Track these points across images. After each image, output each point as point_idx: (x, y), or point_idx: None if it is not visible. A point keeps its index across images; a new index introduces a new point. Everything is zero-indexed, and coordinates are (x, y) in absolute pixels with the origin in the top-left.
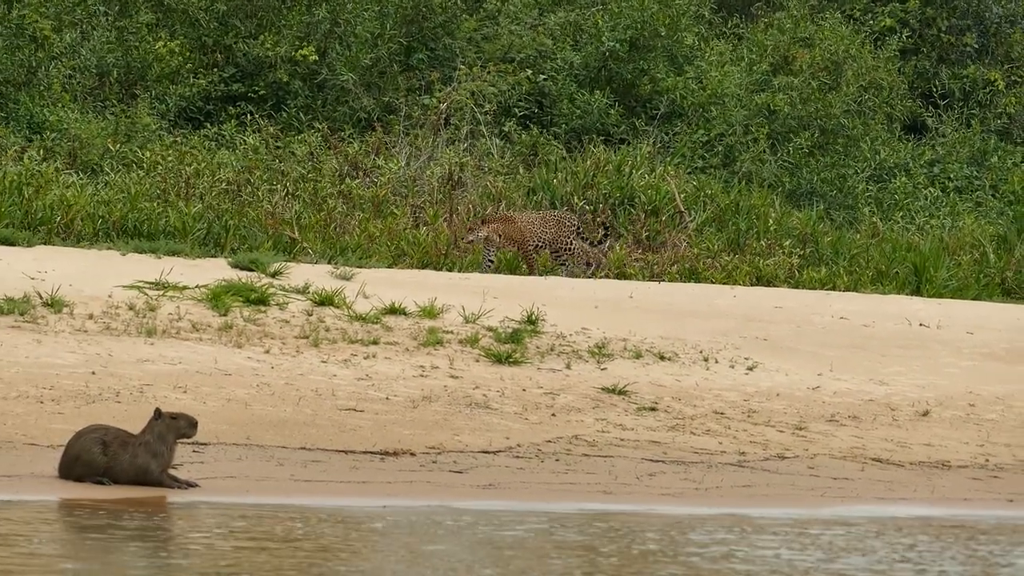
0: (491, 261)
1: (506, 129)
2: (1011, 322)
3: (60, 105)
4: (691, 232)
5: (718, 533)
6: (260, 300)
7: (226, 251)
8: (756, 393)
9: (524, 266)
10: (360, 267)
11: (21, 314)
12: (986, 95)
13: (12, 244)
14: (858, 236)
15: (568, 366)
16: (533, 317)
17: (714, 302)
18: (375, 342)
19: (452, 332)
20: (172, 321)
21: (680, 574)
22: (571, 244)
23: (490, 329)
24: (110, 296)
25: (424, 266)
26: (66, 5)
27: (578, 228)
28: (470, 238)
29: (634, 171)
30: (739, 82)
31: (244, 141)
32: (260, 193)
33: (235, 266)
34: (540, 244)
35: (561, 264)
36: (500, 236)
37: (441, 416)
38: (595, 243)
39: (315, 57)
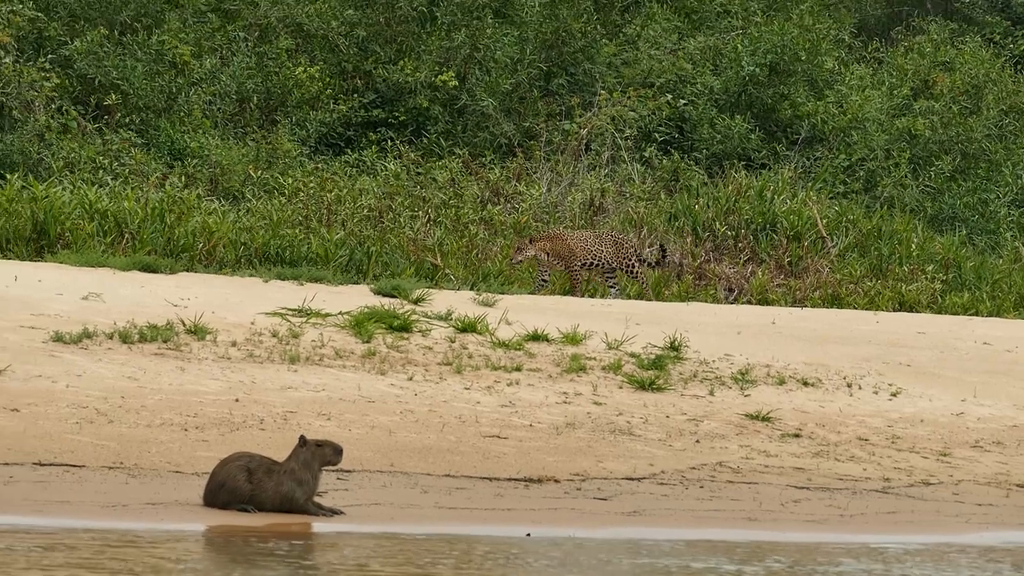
0: (544, 280)
1: (647, 154)
2: None
3: (201, 131)
4: (833, 257)
5: (863, 561)
6: (403, 327)
7: (368, 278)
8: (900, 419)
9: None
10: (502, 293)
11: (164, 341)
12: None
13: (155, 271)
14: (1000, 261)
15: (711, 392)
16: (676, 343)
17: (857, 328)
18: (518, 369)
19: (595, 359)
20: (315, 348)
21: None
22: (634, 265)
23: (633, 355)
24: (253, 323)
25: (566, 292)
26: (206, 31)
27: (636, 249)
28: (518, 258)
29: (776, 196)
30: (880, 106)
31: (385, 167)
32: (402, 219)
33: (378, 293)
34: (591, 263)
35: (611, 286)
36: (548, 254)
37: (585, 443)
38: (652, 264)
39: (455, 83)
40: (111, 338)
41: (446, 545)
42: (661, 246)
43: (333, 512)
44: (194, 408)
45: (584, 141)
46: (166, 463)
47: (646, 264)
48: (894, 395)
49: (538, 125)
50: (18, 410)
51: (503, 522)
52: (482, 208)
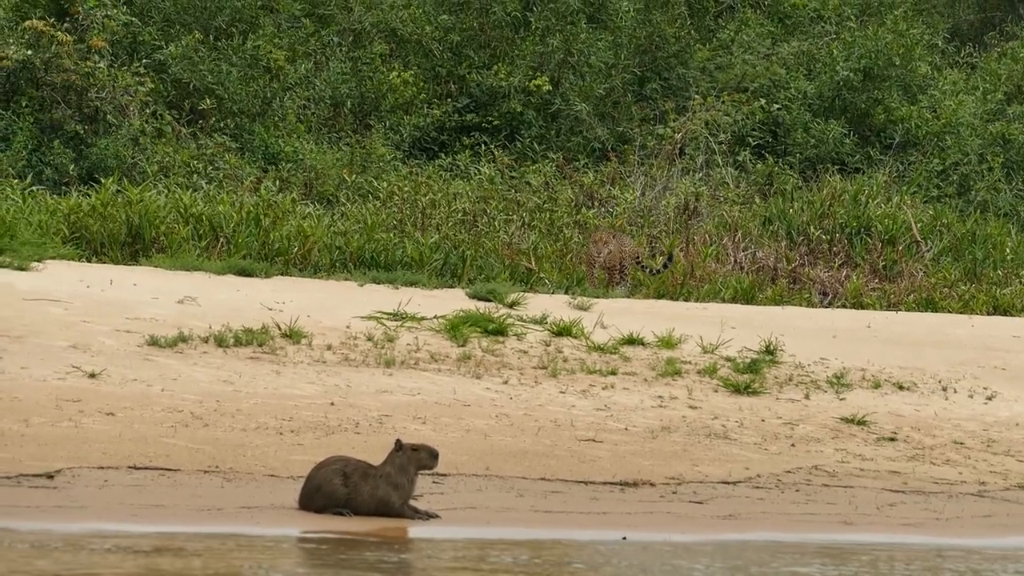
0: None
1: (741, 159)
2: None
3: (295, 136)
4: (927, 262)
5: (961, 563)
6: (498, 331)
7: (463, 281)
8: (995, 423)
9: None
10: (597, 297)
11: (260, 345)
12: None
13: (250, 275)
14: None
15: (807, 396)
16: (771, 347)
17: (952, 332)
18: (613, 372)
19: (690, 362)
20: (410, 352)
21: None
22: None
23: (728, 359)
24: (348, 327)
25: (660, 296)
26: (300, 36)
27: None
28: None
29: (870, 200)
30: (973, 111)
31: (479, 171)
32: (496, 223)
33: (472, 296)
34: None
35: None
36: None
37: (680, 446)
38: (655, 271)
39: (549, 87)
40: (206, 342)
41: (542, 549)
42: (669, 254)
43: (429, 516)
44: (289, 412)
45: (678, 145)
46: (261, 467)
47: (648, 271)
48: (989, 399)
49: (632, 129)
50: (114, 414)
51: (599, 526)
52: (576, 212)
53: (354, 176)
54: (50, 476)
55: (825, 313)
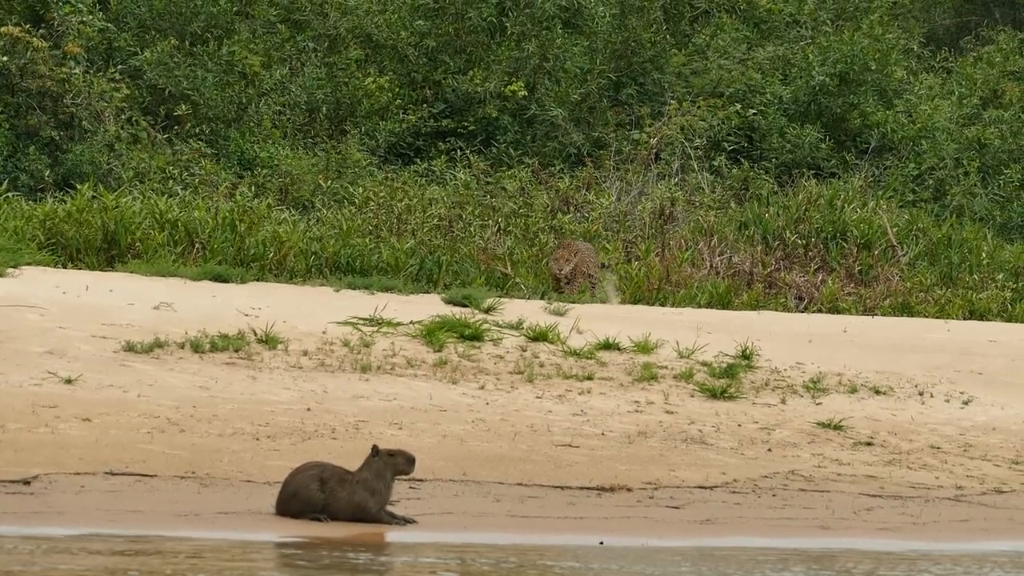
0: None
1: (716, 163)
2: None
3: (271, 141)
4: (903, 266)
5: (938, 567)
6: (474, 336)
7: (439, 287)
8: (972, 427)
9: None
10: (573, 302)
11: (236, 350)
12: None
13: (226, 280)
14: None
15: (783, 401)
16: (747, 352)
17: (928, 336)
18: (590, 377)
19: (666, 367)
20: (387, 357)
21: None
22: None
23: (704, 364)
24: (324, 332)
25: (637, 301)
26: (275, 42)
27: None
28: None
29: (846, 205)
30: (949, 116)
31: (455, 176)
32: (472, 229)
33: (448, 302)
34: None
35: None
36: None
37: (657, 451)
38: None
39: (524, 92)
40: (182, 347)
41: (518, 554)
42: (603, 263)
43: (406, 521)
44: (266, 417)
45: (654, 150)
46: (238, 472)
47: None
48: (966, 403)
49: (608, 135)
50: (90, 420)
51: (576, 531)
52: (552, 217)
53: (330, 182)
54: (27, 482)
55: (801, 318)
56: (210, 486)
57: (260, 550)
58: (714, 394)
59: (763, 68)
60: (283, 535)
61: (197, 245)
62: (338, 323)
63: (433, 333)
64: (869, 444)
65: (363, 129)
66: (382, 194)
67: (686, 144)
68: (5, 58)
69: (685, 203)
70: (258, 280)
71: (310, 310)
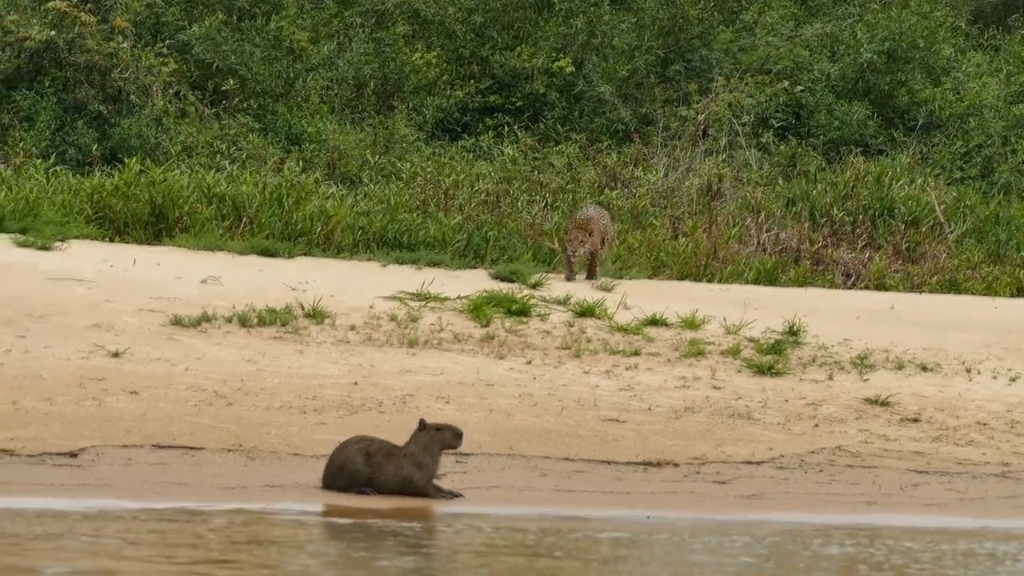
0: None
1: (764, 140)
2: None
3: (318, 116)
4: (951, 243)
5: (987, 544)
6: (521, 311)
7: (486, 262)
8: (1019, 404)
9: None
10: (620, 278)
11: (283, 325)
12: None
13: (273, 255)
14: None
15: (830, 377)
16: (794, 328)
17: (975, 313)
18: (636, 353)
19: (713, 343)
20: (434, 332)
21: None
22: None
23: (751, 340)
24: (371, 307)
25: (683, 277)
26: (323, 17)
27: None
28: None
29: (894, 182)
30: (997, 93)
31: (502, 152)
32: (519, 204)
33: (495, 277)
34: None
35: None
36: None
37: (704, 427)
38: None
39: (572, 68)
40: (230, 321)
41: (566, 527)
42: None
43: (452, 495)
44: (313, 391)
45: (701, 127)
46: (285, 445)
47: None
48: (1013, 380)
49: (655, 111)
50: (137, 392)
51: (622, 505)
52: (599, 193)
53: (377, 157)
54: (74, 455)
55: (848, 294)
56: (257, 459)
57: (307, 522)
58: (761, 370)
59: (811, 45)
60: (330, 507)
61: (244, 219)
62: (385, 298)
63: (480, 308)
64: (916, 420)
65: (410, 104)
66: (429, 169)
67: (734, 121)
68: (53, 32)
69: (732, 179)
70: (305, 255)
71: (357, 285)
